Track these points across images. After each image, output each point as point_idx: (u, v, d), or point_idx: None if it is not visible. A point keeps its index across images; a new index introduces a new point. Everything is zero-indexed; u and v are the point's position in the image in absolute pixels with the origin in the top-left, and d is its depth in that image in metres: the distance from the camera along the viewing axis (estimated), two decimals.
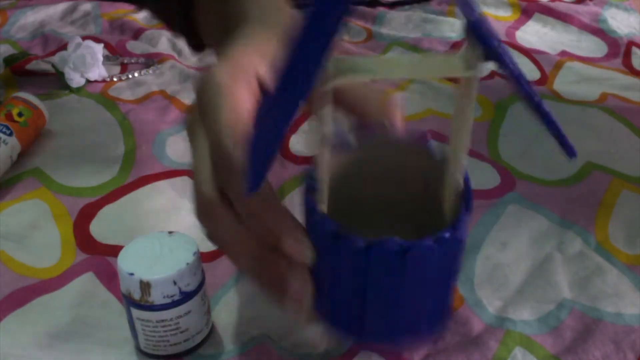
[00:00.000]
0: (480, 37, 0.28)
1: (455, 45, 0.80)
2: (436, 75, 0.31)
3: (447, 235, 0.32)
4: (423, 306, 0.36)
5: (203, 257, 0.49)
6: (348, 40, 0.83)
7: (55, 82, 0.70)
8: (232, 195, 0.35)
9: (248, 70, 0.37)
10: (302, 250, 0.34)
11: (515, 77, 0.28)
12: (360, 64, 0.30)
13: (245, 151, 0.32)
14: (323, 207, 0.34)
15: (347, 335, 0.38)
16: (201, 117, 0.36)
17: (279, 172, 0.57)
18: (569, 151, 0.30)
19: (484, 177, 0.57)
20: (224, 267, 0.47)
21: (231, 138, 0.34)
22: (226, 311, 0.44)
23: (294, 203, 0.54)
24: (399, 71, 0.31)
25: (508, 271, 0.47)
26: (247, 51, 0.38)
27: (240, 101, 0.35)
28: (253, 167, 0.31)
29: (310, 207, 0.34)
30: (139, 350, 0.41)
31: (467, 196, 0.34)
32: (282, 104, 0.29)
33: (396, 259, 0.32)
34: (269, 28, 0.40)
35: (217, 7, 0.48)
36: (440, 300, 0.37)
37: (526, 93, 0.29)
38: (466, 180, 0.34)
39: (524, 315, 0.43)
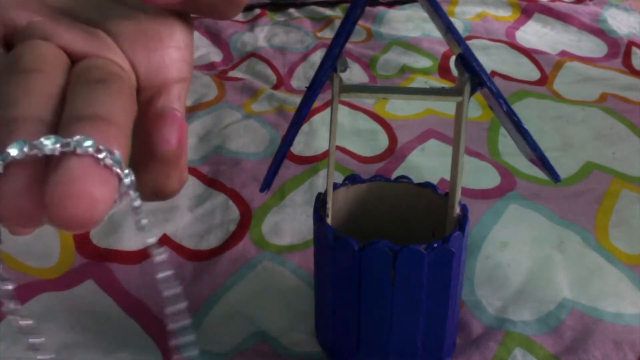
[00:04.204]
0: (465, 65, 0.33)
1: None
2: (430, 99, 0.35)
3: (435, 245, 0.35)
4: (417, 327, 0.37)
5: (202, 256, 0.49)
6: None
7: None
8: None
9: None
10: None
11: (496, 97, 0.32)
12: (365, 87, 0.36)
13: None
14: (328, 219, 0.37)
15: (343, 357, 0.40)
16: None
17: (280, 172, 0.57)
18: (552, 174, 0.34)
19: (484, 177, 0.57)
20: (223, 266, 0.47)
21: None
22: (225, 310, 0.44)
23: (295, 203, 0.55)
24: (399, 94, 0.35)
25: (508, 271, 0.47)
26: None
27: None
28: (269, 169, 0.35)
29: (317, 218, 0.37)
30: None
31: (462, 221, 0.36)
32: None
33: (387, 260, 0.34)
34: None
35: None
36: (436, 326, 0.37)
37: (506, 111, 0.33)
38: (463, 208, 0.37)
39: (524, 315, 0.43)
